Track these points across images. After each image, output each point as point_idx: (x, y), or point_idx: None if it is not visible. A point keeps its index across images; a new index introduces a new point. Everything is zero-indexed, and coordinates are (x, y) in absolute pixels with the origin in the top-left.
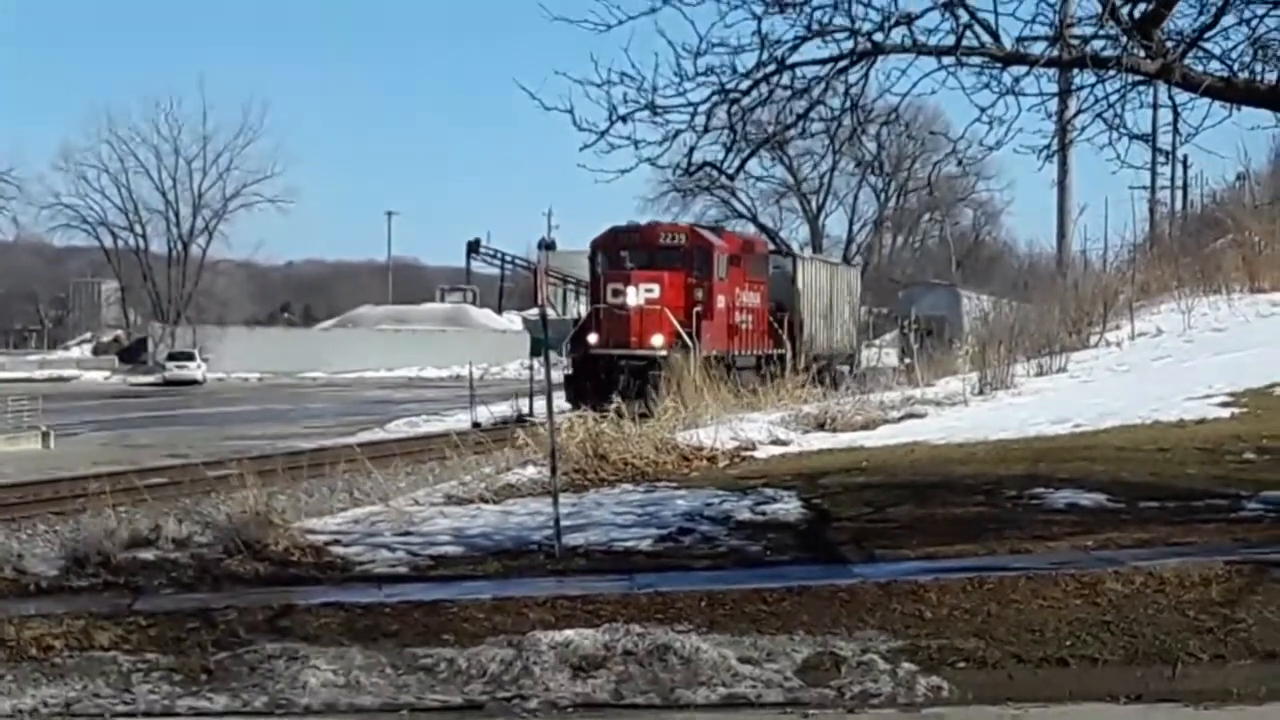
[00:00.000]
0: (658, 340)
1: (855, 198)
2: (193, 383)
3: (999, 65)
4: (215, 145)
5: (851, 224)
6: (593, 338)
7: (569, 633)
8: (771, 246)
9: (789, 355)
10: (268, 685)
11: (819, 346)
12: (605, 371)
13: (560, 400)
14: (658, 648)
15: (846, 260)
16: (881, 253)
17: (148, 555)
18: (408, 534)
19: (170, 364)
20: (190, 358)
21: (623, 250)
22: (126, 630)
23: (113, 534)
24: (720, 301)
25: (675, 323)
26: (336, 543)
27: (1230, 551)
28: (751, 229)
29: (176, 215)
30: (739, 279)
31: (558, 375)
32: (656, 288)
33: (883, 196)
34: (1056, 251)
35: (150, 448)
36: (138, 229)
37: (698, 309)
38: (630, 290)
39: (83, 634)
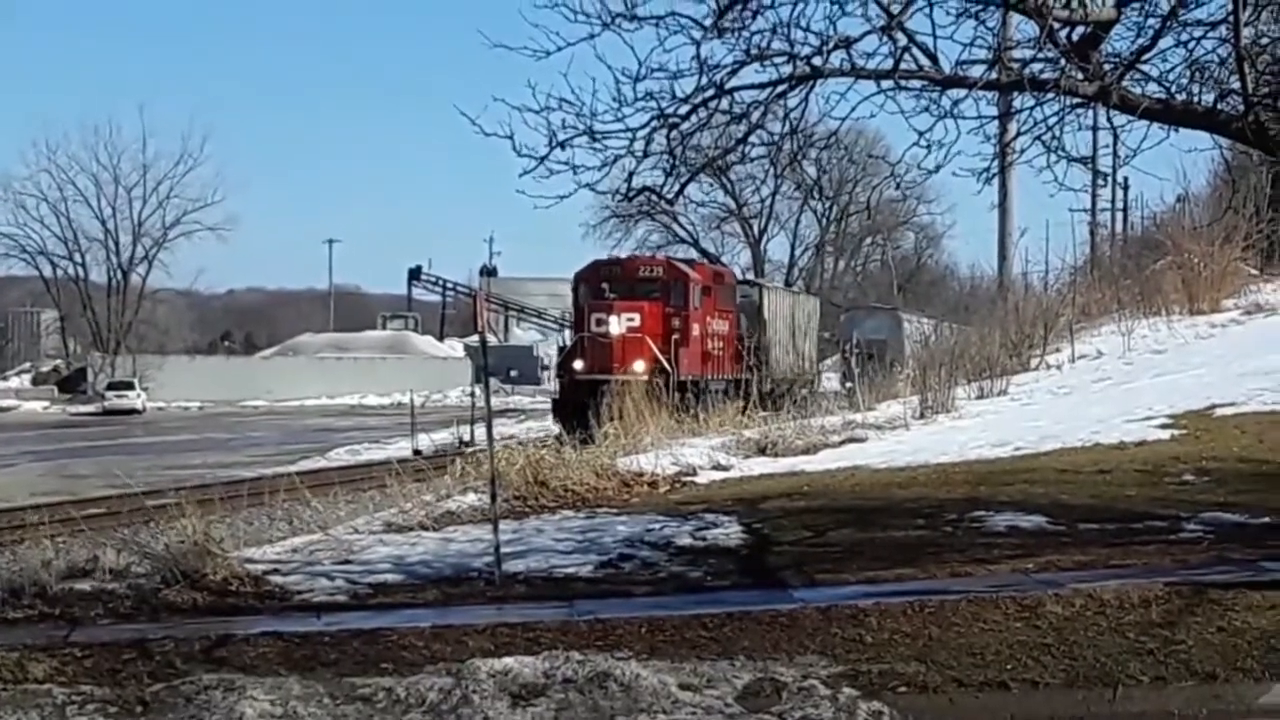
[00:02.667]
0: (639, 366)
1: (797, 222)
2: (132, 412)
3: (938, 88)
4: (155, 173)
5: (794, 248)
6: (578, 364)
7: (509, 660)
8: (741, 277)
9: (756, 380)
10: (204, 716)
11: (783, 371)
12: (590, 395)
13: (548, 423)
14: (598, 675)
15: (789, 284)
16: (823, 277)
17: (84, 586)
18: (347, 562)
19: (110, 393)
20: (130, 387)
21: (604, 282)
22: (62, 662)
23: (49, 565)
24: (695, 329)
25: (655, 349)
26: (275, 572)
27: (1170, 573)
28: (693, 254)
29: (116, 244)
30: (711, 308)
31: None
32: (637, 317)
33: (825, 220)
34: (997, 274)
35: (89, 478)
36: (77, 258)
37: (675, 336)
38: (613, 319)
39: (17, 666)
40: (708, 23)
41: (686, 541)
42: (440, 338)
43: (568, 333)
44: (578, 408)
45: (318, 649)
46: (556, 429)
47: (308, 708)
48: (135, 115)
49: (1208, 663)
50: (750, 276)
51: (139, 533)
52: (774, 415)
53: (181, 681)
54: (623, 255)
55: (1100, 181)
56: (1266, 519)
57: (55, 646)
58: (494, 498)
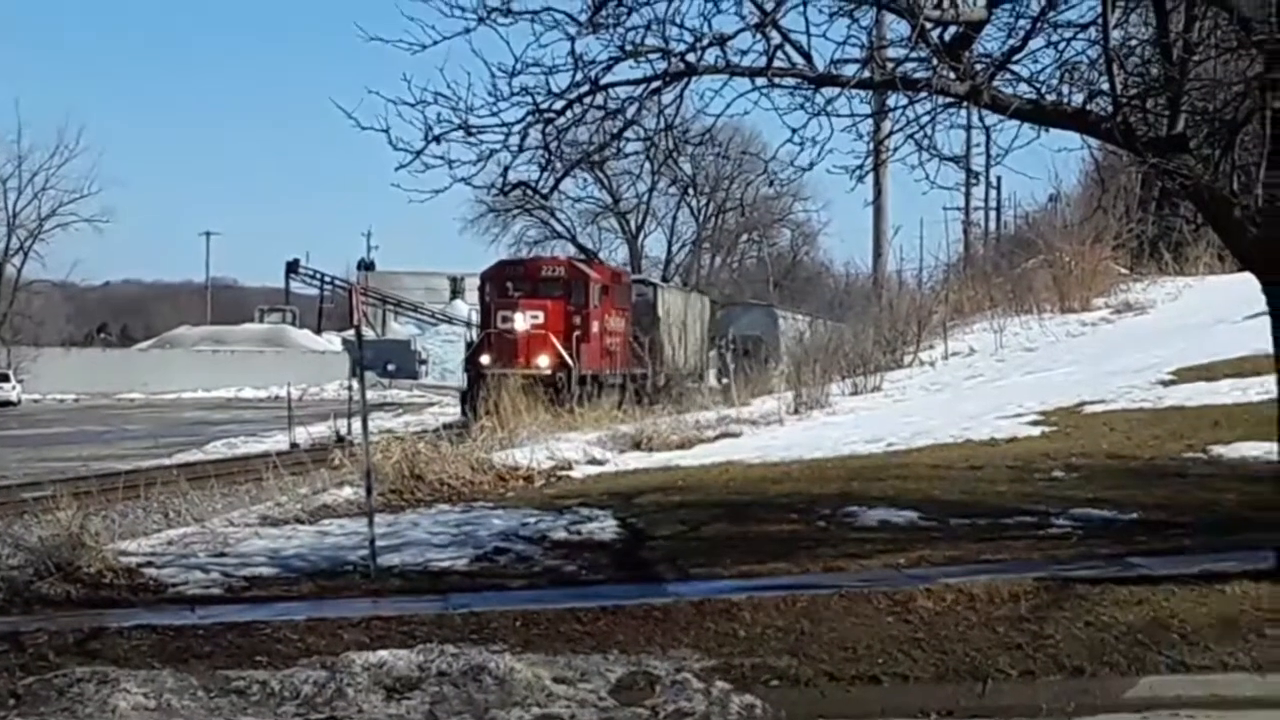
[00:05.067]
0: (543, 360)
1: (674, 218)
2: (7, 404)
3: (812, 86)
4: (30, 164)
5: (670, 244)
6: (484, 358)
7: (383, 653)
8: (635, 276)
9: (650, 374)
10: (77, 709)
11: (675, 366)
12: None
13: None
14: (472, 668)
15: (665, 279)
16: (700, 273)
17: None
18: (222, 555)
19: None
20: (4, 379)
21: (508, 281)
22: None
23: None
24: (595, 326)
25: (558, 345)
26: (150, 564)
27: (1039, 568)
28: (571, 249)
29: None
30: (609, 306)
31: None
32: (541, 314)
33: (701, 217)
34: (872, 271)
35: None
36: None
37: (576, 333)
38: (517, 316)
39: None
40: (583, 18)
41: (561, 536)
42: (318, 331)
43: (474, 329)
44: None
45: (192, 642)
46: (435, 422)
47: (181, 700)
48: (10, 107)
49: (1075, 657)
50: (639, 275)
51: (12, 525)
52: (653, 410)
53: (54, 674)
54: (526, 256)
55: (973, 180)
56: (1134, 515)
57: None
58: (369, 491)
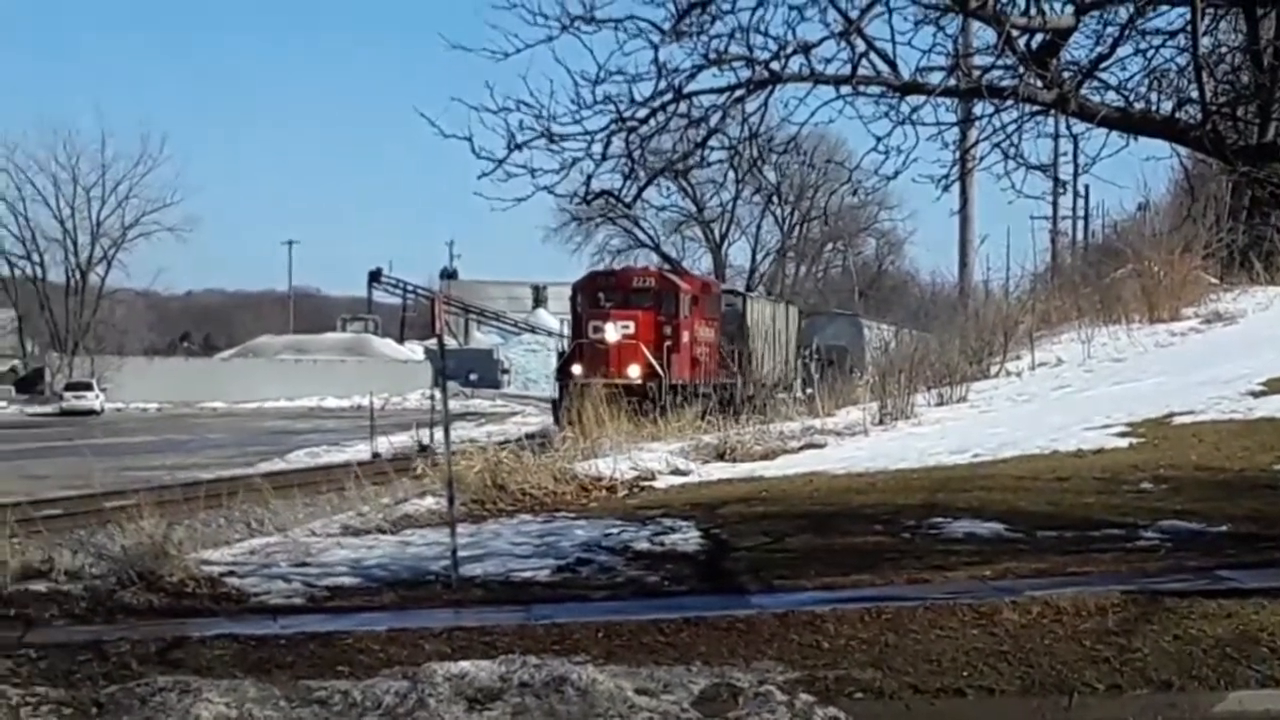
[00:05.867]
0: (634, 370)
1: (758, 227)
2: (90, 413)
3: (897, 94)
4: (114, 173)
5: (755, 253)
6: (576, 368)
7: (465, 664)
8: (725, 286)
9: (740, 384)
10: (159, 718)
11: (764, 376)
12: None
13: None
14: (554, 679)
15: (749, 289)
16: (785, 282)
17: (40, 587)
18: (304, 565)
19: (68, 394)
20: (88, 388)
21: (600, 291)
22: (16, 663)
23: (4, 566)
24: (685, 337)
25: (649, 355)
26: (232, 574)
27: (1126, 581)
28: (655, 258)
29: (75, 243)
30: (699, 316)
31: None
32: (632, 325)
33: (786, 225)
34: (958, 281)
35: (46, 479)
36: (35, 257)
37: (667, 343)
38: (609, 326)
39: None
40: (666, 26)
41: (644, 546)
42: (400, 340)
43: (565, 339)
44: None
45: (273, 651)
46: (518, 432)
47: (263, 710)
48: (93, 114)
49: (1163, 671)
50: (728, 286)
51: (96, 534)
52: (736, 420)
53: (136, 683)
54: (617, 267)
55: (1060, 189)
56: (1223, 527)
57: (9, 647)
58: (451, 501)
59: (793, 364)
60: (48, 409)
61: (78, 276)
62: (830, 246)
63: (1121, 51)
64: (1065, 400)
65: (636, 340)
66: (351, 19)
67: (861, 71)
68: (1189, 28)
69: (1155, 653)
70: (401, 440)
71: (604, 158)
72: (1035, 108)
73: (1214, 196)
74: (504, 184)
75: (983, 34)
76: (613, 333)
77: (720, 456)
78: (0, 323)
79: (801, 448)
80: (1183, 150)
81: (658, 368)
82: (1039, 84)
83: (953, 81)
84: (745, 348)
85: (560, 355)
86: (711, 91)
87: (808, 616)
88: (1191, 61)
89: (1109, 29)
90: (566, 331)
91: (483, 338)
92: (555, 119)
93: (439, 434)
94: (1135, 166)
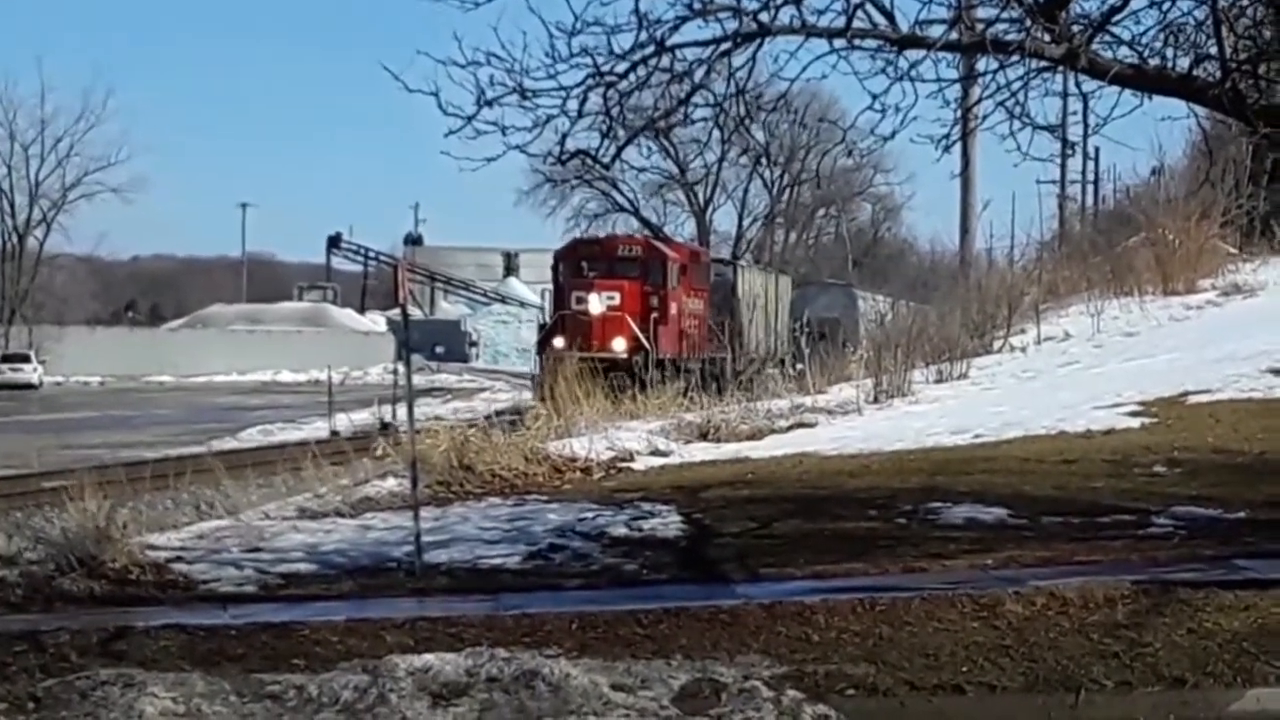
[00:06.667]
0: (619, 344)
1: (745, 190)
2: (28, 386)
3: (894, 49)
4: (54, 130)
5: (741, 218)
6: (558, 341)
7: (429, 657)
8: (714, 256)
9: (730, 358)
10: (100, 714)
11: (757, 350)
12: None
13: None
14: (524, 674)
15: (735, 256)
16: (773, 250)
17: None
18: (257, 550)
19: (3, 366)
20: (26, 360)
21: (583, 260)
22: None
23: None
24: (673, 308)
25: (635, 328)
26: (179, 559)
27: (1137, 570)
28: (634, 224)
29: (11, 205)
30: (687, 287)
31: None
32: (617, 295)
33: (775, 189)
34: (959, 249)
35: None
36: None
37: (654, 315)
38: (592, 297)
39: None
40: None
41: (622, 532)
42: (361, 310)
43: (546, 311)
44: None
45: (223, 643)
46: (487, 409)
47: (212, 706)
48: (33, 67)
49: (1176, 667)
50: (719, 255)
51: (33, 517)
52: (722, 397)
53: (76, 676)
54: (602, 235)
55: (1069, 151)
56: (1241, 514)
57: None
58: (415, 483)
59: (785, 337)
60: None
61: (14, 240)
62: (822, 212)
63: (1135, 4)
64: (1073, 377)
65: (622, 312)
66: None
67: (857, 24)
68: None
69: (1167, 647)
70: (362, 417)
71: (580, 115)
72: (1042, 64)
73: (1233, 160)
74: (473, 142)
75: None
76: (597, 304)
77: (704, 436)
78: None
79: (790, 427)
80: (1200, 110)
81: (644, 341)
82: (1047, 38)
83: (955, 35)
84: (736, 320)
85: (541, 327)
86: (696, 44)
87: (796, 607)
88: (1210, 15)
89: None
90: (546, 302)
91: (450, 308)
92: (528, 73)
93: (402, 411)
94: (1149, 127)
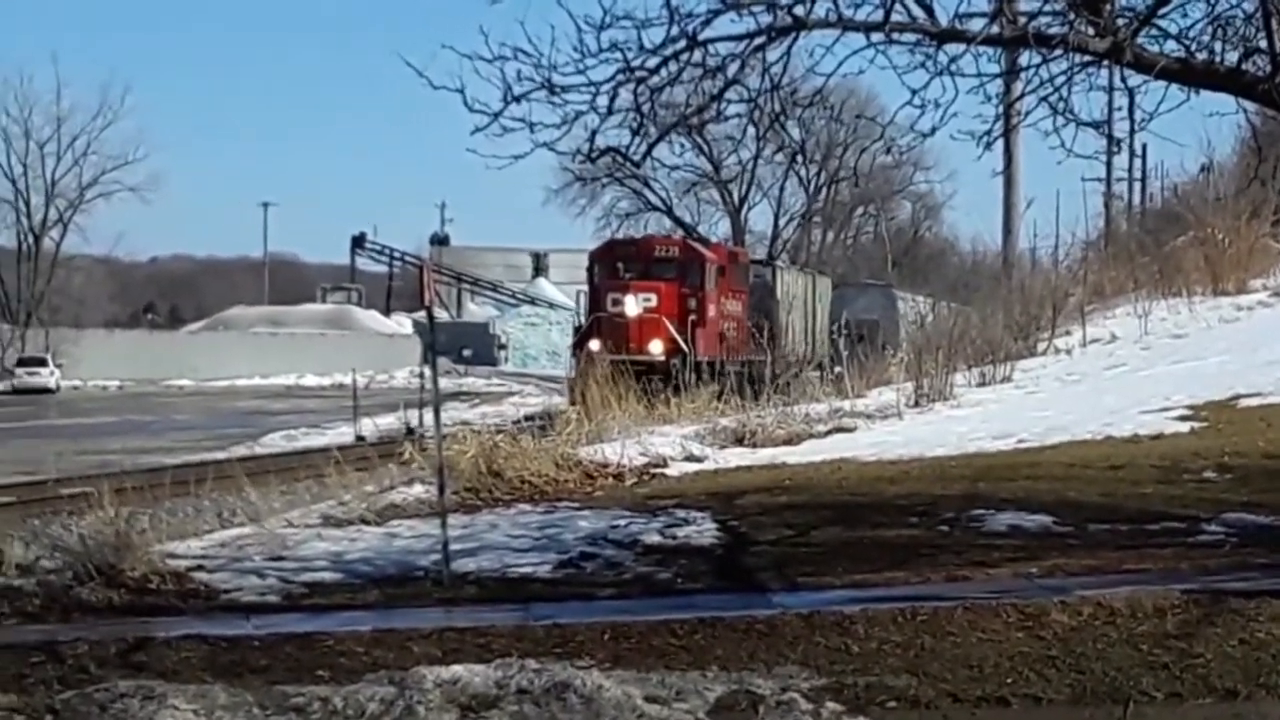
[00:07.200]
0: (656, 347)
1: (781, 189)
2: (45, 391)
3: (934, 42)
4: (70, 128)
5: (777, 218)
6: (594, 344)
7: (457, 669)
8: (754, 256)
9: (770, 361)
10: None
11: (797, 353)
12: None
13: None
14: (555, 685)
15: (772, 256)
16: (810, 250)
17: None
18: (280, 559)
19: (20, 370)
20: (42, 363)
21: (619, 262)
22: None
23: None
24: (711, 310)
25: (672, 330)
26: (201, 568)
27: (1187, 579)
28: (667, 223)
29: (27, 205)
30: (725, 289)
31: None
32: (654, 297)
33: (811, 188)
34: (1002, 249)
35: None
36: None
37: (692, 317)
38: (629, 299)
39: None
40: None
41: (655, 540)
42: (386, 312)
43: (580, 313)
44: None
45: (246, 654)
46: (516, 413)
47: (235, 718)
48: (48, 64)
49: (1228, 678)
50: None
51: (50, 524)
52: (756, 401)
53: (95, 688)
54: (638, 235)
55: (1115, 148)
56: None
57: None
58: (442, 489)
59: (824, 340)
60: None
61: (30, 241)
62: (860, 211)
63: None
64: (1120, 380)
65: (659, 314)
66: None
67: (895, 17)
68: None
69: (1219, 658)
70: (387, 422)
71: (610, 111)
72: (1087, 58)
73: None
74: (500, 140)
75: None
76: (633, 306)
77: (739, 441)
78: None
79: (828, 432)
80: (1249, 105)
81: (682, 343)
82: (1091, 31)
83: (995, 29)
84: (774, 322)
85: (576, 330)
86: (729, 39)
87: (835, 617)
88: (1259, 6)
89: None
90: (580, 304)
91: (477, 310)
92: (556, 68)
93: (428, 415)
94: (1197, 123)
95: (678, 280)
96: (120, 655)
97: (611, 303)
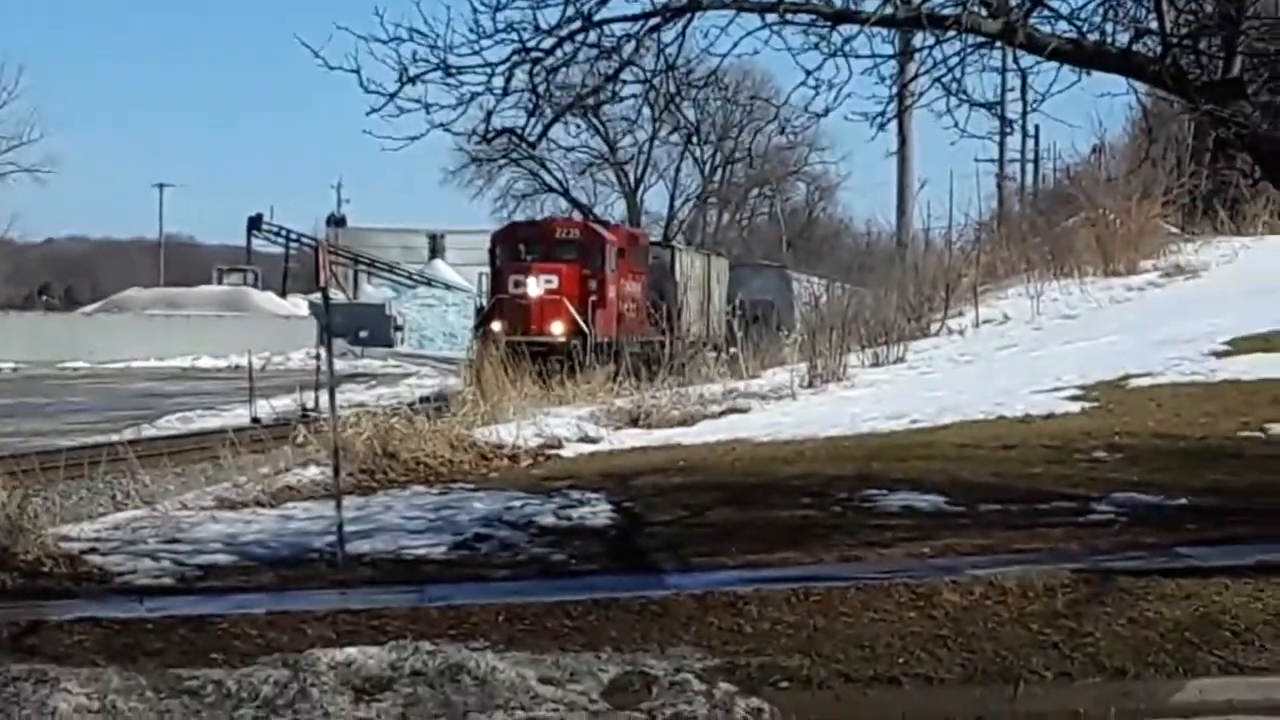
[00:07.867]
0: (557, 328)
1: (677, 170)
2: None
3: (828, 23)
4: None
5: (673, 199)
6: (496, 325)
7: (352, 651)
8: (653, 238)
9: (669, 342)
10: (11, 711)
11: (695, 333)
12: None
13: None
14: (450, 667)
15: (667, 238)
16: (706, 231)
17: None
18: (174, 541)
19: None
20: None
21: (521, 244)
22: None
23: None
24: (611, 292)
25: (573, 311)
26: (94, 551)
27: (1077, 558)
28: (563, 204)
29: None
30: (625, 270)
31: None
32: (555, 279)
33: (707, 169)
34: (895, 230)
35: None
36: None
37: (592, 299)
38: (530, 281)
39: None
40: None
41: (550, 521)
42: (283, 294)
43: (484, 294)
44: None
45: (140, 637)
46: (412, 395)
47: (128, 702)
48: None
49: (1117, 657)
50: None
51: None
52: (652, 382)
53: None
54: (539, 217)
55: (1008, 129)
56: (1183, 500)
57: None
58: (337, 471)
59: (721, 320)
60: None
61: None
62: (756, 192)
63: None
64: (1012, 361)
65: (560, 295)
66: None
67: None
68: None
69: (1108, 637)
70: (284, 404)
71: (506, 92)
72: (980, 39)
73: (1175, 138)
74: (396, 121)
75: None
76: (535, 288)
77: (634, 422)
78: None
79: (723, 412)
80: (1141, 86)
81: (582, 325)
82: (984, 12)
83: (889, 10)
84: (674, 303)
85: (478, 311)
86: (624, 19)
87: (728, 598)
88: None
89: None
90: (481, 286)
91: (374, 291)
92: (452, 49)
93: (324, 397)
94: (1089, 104)
95: (579, 262)
96: (12, 639)
97: (514, 284)
